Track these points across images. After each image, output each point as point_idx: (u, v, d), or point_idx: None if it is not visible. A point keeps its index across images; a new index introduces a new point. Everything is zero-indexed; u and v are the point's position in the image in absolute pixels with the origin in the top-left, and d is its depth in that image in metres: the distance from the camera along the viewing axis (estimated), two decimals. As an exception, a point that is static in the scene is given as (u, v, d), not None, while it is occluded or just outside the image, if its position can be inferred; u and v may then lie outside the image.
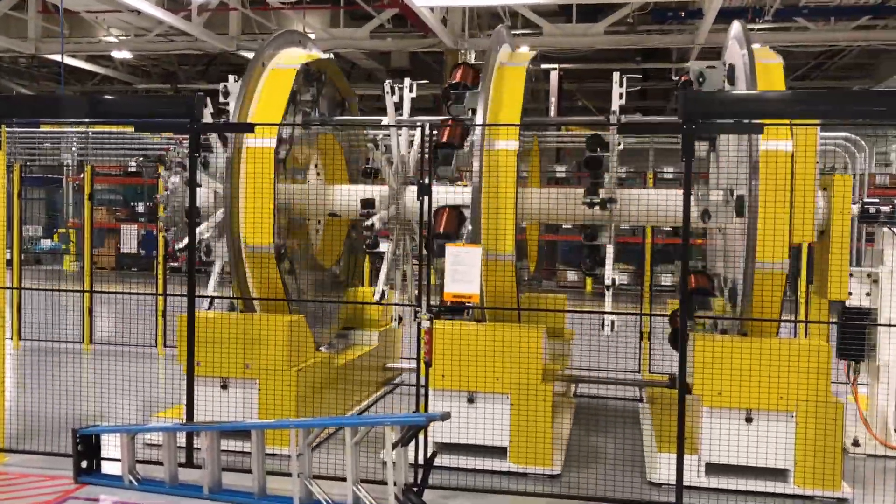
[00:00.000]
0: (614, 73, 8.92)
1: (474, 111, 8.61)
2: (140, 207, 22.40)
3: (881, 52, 23.99)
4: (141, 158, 18.00)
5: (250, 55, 23.55)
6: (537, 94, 12.43)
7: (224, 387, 8.36)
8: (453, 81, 8.99)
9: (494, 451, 7.92)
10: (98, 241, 24.97)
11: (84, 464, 7.53)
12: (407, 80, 9.42)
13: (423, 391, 7.30)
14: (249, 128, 7.41)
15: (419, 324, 7.18)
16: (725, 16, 20.54)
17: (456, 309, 8.23)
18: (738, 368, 7.37)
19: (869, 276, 8.68)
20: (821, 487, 7.33)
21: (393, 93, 9.02)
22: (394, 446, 6.62)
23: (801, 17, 20.38)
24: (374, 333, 10.54)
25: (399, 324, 9.37)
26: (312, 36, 22.23)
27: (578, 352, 10.29)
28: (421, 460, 7.17)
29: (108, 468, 7.64)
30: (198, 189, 8.73)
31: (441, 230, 8.07)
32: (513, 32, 21.75)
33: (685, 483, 7.44)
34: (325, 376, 8.88)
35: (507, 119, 8.22)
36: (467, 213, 8.17)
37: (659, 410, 8.96)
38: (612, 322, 8.53)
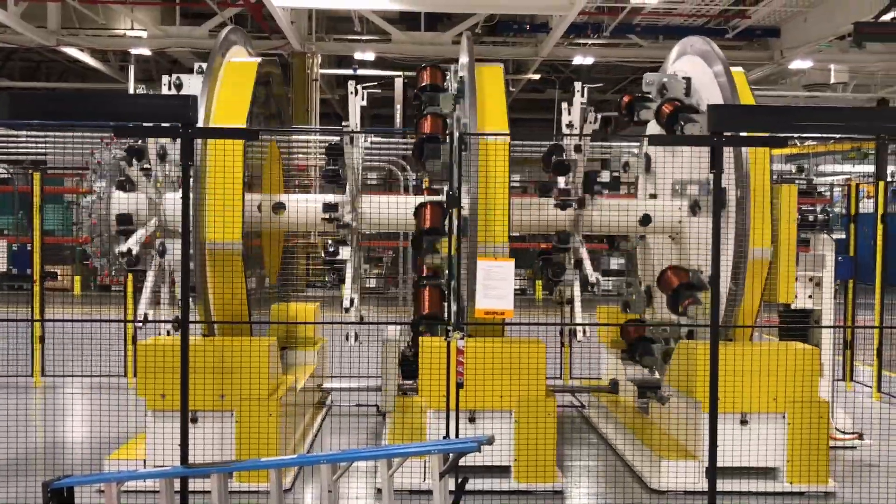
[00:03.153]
0: (575, 84, 8.96)
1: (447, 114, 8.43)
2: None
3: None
4: None
5: (70, 51, 21.63)
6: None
7: (194, 420, 7.49)
8: (422, 84, 8.63)
9: (493, 469, 7.65)
10: None
11: (56, 522, 6.44)
12: (352, 85, 8.89)
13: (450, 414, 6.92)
14: (254, 134, 6.67)
15: (448, 343, 6.79)
16: (567, 30, 21.32)
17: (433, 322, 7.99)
18: (739, 373, 7.59)
19: (811, 279, 9.26)
20: (810, 483, 7.72)
21: (356, 94, 8.47)
22: (441, 475, 6.19)
23: (633, 34, 21.58)
24: (311, 353, 9.87)
25: (356, 341, 8.79)
26: (144, 34, 20.76)
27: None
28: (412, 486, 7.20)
29: (82, 524, 6.60)
30: (129, 195, 7.96)
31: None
32: (362, 38, 21.44)
33: (687, 489, 7.65)
34: (296, 403, 8.22)
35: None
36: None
37: (633, 418, 9.05)
38: (584, 330, 8.59)
